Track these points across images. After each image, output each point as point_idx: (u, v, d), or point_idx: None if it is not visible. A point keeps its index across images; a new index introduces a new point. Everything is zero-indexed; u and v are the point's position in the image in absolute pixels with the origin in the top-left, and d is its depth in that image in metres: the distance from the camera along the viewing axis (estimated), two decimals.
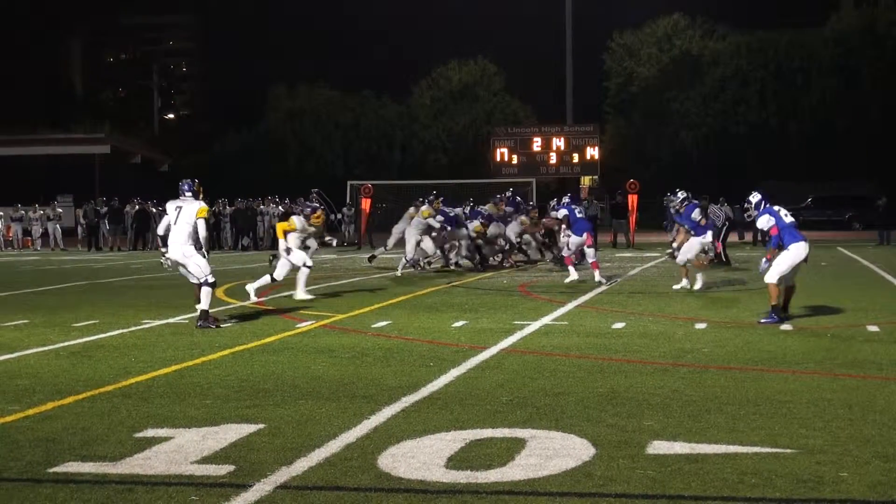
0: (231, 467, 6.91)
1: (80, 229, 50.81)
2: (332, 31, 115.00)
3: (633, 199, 45.25)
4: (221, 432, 7.95)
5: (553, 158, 53.84)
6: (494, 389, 9.65)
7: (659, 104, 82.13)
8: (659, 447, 7.34)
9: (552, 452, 7.21)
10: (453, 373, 10.63)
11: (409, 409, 8.78)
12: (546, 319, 15.53)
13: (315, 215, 19.88)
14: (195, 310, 15.22)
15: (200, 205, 15.13)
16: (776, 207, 15.15)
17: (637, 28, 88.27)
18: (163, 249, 15.19)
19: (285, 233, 18.94)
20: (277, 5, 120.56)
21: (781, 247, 14.84)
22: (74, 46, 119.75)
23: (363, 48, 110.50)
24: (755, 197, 15.67)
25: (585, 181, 49.14)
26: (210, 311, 15.10)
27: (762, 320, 14.70)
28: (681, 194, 21.34)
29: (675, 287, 20.64)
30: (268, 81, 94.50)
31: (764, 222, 15.11)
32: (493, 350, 12.32)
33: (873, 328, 14.17)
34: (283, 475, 6.70)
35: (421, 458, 7.07)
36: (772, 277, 14.67)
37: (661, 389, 9.58)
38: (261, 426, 8.16)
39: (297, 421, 8.35)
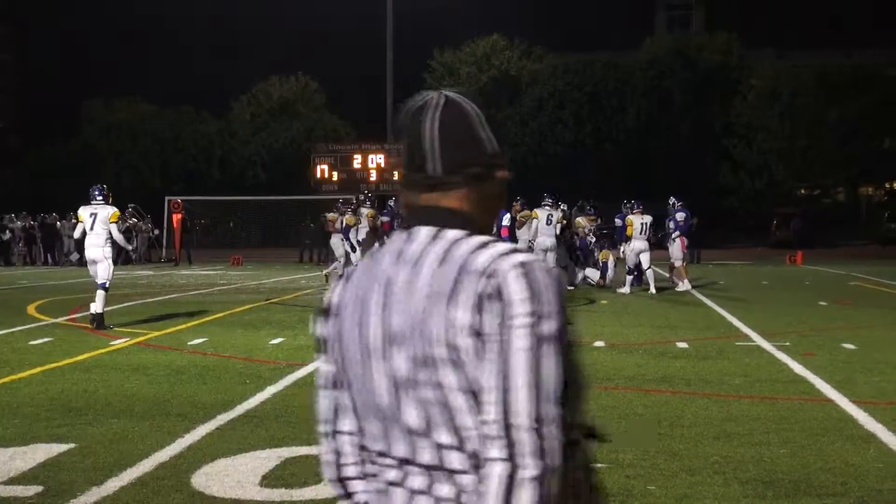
0: (40, 488, 6.76)
1: None
2: (152, 44, 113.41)
3: None
4: (30, 452, 7.78)
5: (374, 175, 53.89)
6: (311, 407, 9.60)
7: None
8: None
9: None
10: (270, 390, 10.59)
11: (225, 427, 8.72)
12: None
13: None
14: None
15: (113, 210, 16.69)
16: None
17: (457, 48, 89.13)
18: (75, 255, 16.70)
19: None
20: (95, 19, 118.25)
21: None
22: None
23: (182, 62, 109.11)
24: None
25: None
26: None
27: None
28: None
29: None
30: (85, 95, 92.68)
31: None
32: (311, 367, 12.27)
33: (682, 345, 14.54)
34: (93, 495, 6.59)
35: (235, 477, 7.03)
36: None
37: None
38: (71, 446, 8.00)
39: (110, 440, 8.21)
